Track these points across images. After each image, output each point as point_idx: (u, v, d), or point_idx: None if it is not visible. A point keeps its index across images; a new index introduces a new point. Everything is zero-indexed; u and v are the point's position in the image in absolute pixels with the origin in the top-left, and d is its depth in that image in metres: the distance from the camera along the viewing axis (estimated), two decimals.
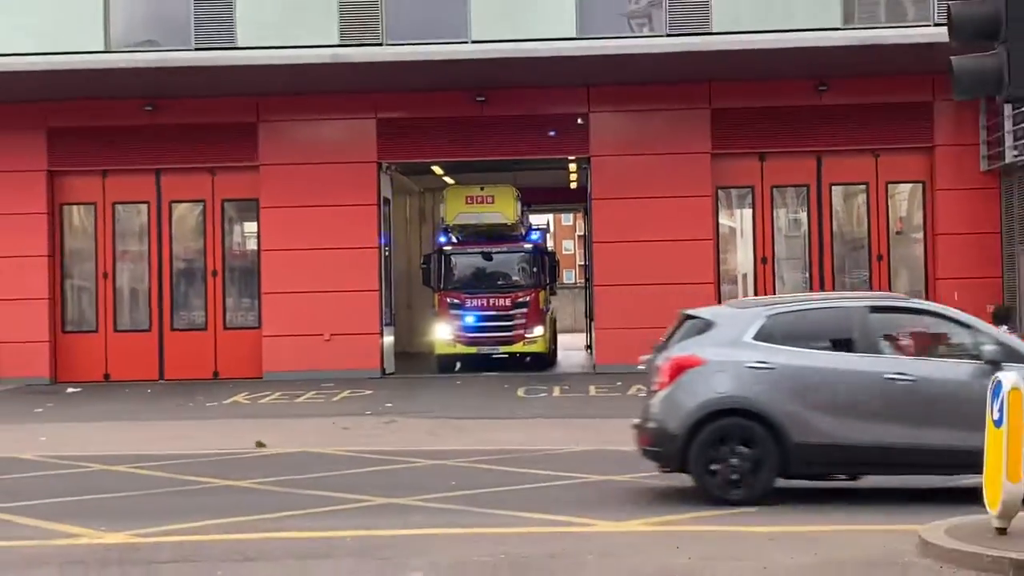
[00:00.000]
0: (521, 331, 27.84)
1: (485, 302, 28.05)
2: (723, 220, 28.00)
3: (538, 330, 28.29)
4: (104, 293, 28.39)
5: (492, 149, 26.11)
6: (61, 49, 24.99)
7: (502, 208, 28.15)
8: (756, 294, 27.67)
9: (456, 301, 28.11)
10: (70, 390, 25.99)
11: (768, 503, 11.70)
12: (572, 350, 35.01)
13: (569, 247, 76.70)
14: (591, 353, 29.58)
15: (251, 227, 28.40)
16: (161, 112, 27.30)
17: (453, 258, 29.02)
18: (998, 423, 9.40)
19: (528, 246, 29.73)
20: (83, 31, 25.19)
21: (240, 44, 25.01)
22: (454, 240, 29.29)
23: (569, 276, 69.96)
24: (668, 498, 12.24)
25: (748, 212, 27.99)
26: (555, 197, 36.50)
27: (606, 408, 21.13)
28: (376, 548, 10.11)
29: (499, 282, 28.72)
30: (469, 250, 29.16)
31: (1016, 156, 24.70)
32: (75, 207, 28.56)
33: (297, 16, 24.97)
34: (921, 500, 11.60)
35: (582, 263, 46.57)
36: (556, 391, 23.83)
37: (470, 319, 27.94)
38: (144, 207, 28.47)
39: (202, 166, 27.97)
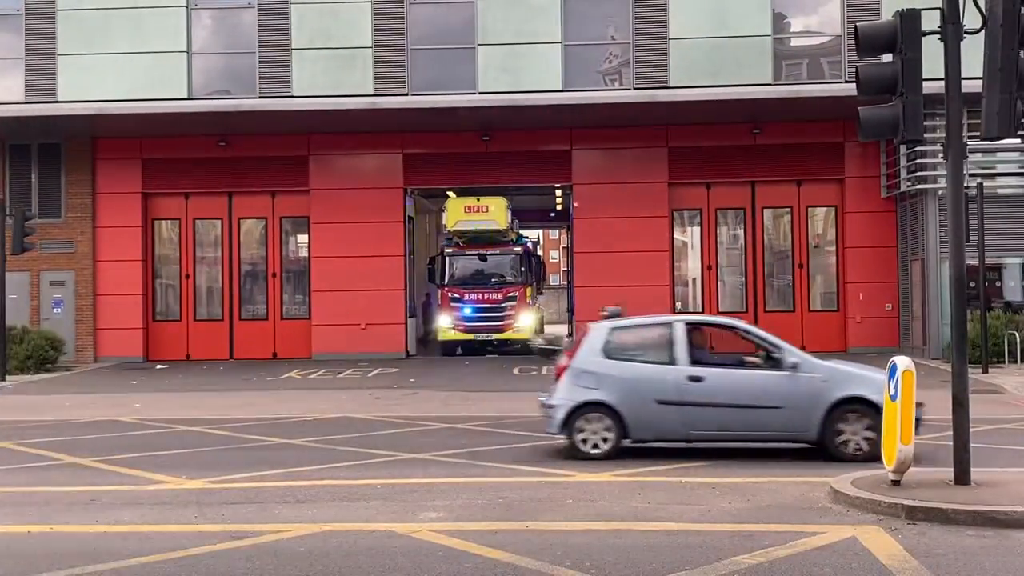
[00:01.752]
0: (510, 321, 26.89)
1: (480, 296, 27.05)
2: (677, 235, 28.01)
3: (525, 320, 27.32)
4: (186, 290, 28.38)
5: (495, 178, 26.14)
6: (154, 97, 25.00)
7: (495, 217, 26.61)
8: (703, 295, 27.78)
9: (456, 296, 27.10)
10: (159, 367, 25.99)
11: (711, 460, 11.73)
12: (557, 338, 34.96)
13: (555, 256, 76.73)
14: (571, 340, 29.59)
15: (303, 239, 28.39)
16: (232, 147, 27.31)
17: (453, 259, 27.82)
18: (894, 398, 9.45)
19: (517, 249, 28.38)
20: (171, 83, 25.17)
21: (295, 93, 24.99)
22: (454, 244, 28.11)
23: (555, 279, 69.93)
24: (631, 456, 12.22)
25: (697, 229, 28.01)
26: (544, 216, 36.49)
27: None
28: (400, 493, 10.15)
29: (492, 280, 27.53)
30: (466, 252, 27.85)
31: (909, 185, 24.74)
32: (164, 222, 28.51)
33: (340, 72, 24.95)
34: (826, 460, 11.61)
35: (565, 269, 46.47)
36: (544, 370, 23.75)
37: (467, 310, 26.93)
38: (218, 222, 28.44)
39: (264, 190, 27.96)
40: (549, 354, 19.38)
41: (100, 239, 27.59)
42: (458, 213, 26.79)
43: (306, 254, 28.17)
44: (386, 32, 24.95)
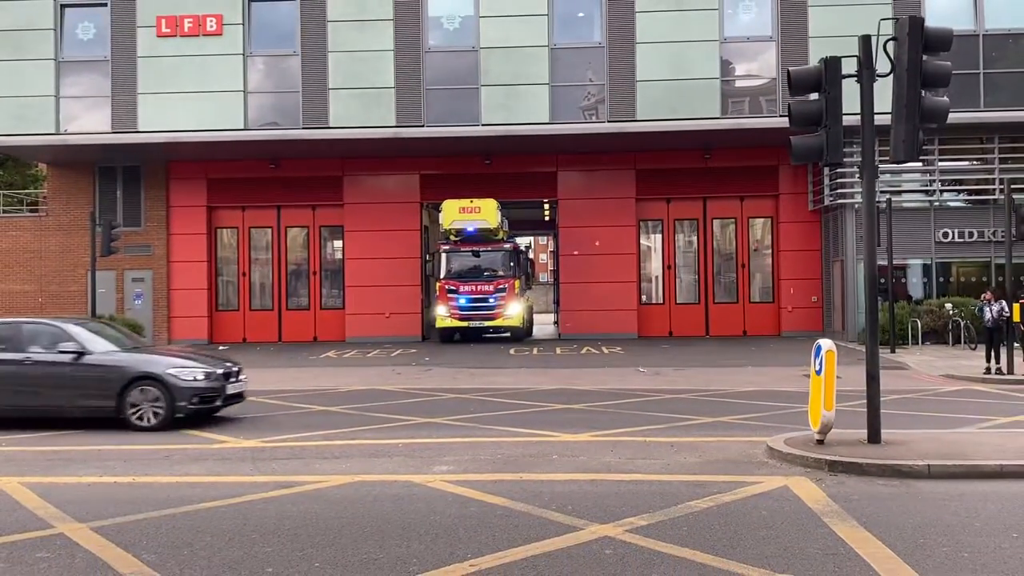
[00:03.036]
0: (500, 310, 25.13)
1: (474, 288, 25.11)
2: (643, 241, 27.99)
3: (513, 309, 25.39)
4: (243, 285, 28.32)
5: (495, 194, 26.02)
6: (217, 127, 24.93)
7: (487, 216, 24.69)
8: (664, 289, 27.79)
9: (452, 288, 25.17)
10: (221, 348, 25.93)
11: (669, 425, 11.70)
12: (545, 325, 34.98)
13: (544, 258, 76.90)
14: (557, 327, 29.59)
15: (338, 244, 28.32)
16: (280, 169, 27.26)
17: (449, 255, 25.73)
18: (819, 372, 9.45)
19: (507, 246, 26.39)
20: (231, 117, 25.08)
21: (332, 125, 24.91)
22: (450, 241, 25.96)
23: (544, 278, 69.89)
24: (603, 420, 12.23)
25: (659, 236, 27.99)
26: (535, 226, 36.44)
27: (566, 362, 21.15)
28: (417, 450, 10.12)
29: (484, 273, 25.48)
30: (461, 249, 25.70)
31: (831, 201, 24.76)
32: (224, 230, 28.43)
33: (368, 108, 24.88)
34: (755, 427, 11.60)
35: (552, 269, 46.45)
36: (535, 351, 23.83)
37: (462, 301, 25.09)
38: (269, 230, 28.37)
39: (307, 204, 27.91)
40: None
41: (173, 244, 27.54)
42: (453, 213, 24.86)
43: (341, 256, 28.09)
44: (406, 75, 24.88)
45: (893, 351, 20.87)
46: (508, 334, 26.18)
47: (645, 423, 11.85)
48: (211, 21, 25.05)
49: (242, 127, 25.11)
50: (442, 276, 25.55)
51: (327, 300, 28.29)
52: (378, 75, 24.88)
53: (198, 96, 24.98)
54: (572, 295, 26.99)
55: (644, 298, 27.59)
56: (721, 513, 7.17)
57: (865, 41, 9.63)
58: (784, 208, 26.73)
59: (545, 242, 66.06)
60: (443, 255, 25.78)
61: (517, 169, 26.93)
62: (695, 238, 27.79)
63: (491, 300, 25.09)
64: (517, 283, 25.66)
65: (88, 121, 25.54)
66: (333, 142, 25.25)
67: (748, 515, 7.11)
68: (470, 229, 25.08)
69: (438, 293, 25.63)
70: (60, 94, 25.49)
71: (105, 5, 25.49)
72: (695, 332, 27.03)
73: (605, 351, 22.94)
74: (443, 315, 25.39)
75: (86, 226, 24.25)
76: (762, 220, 27.64)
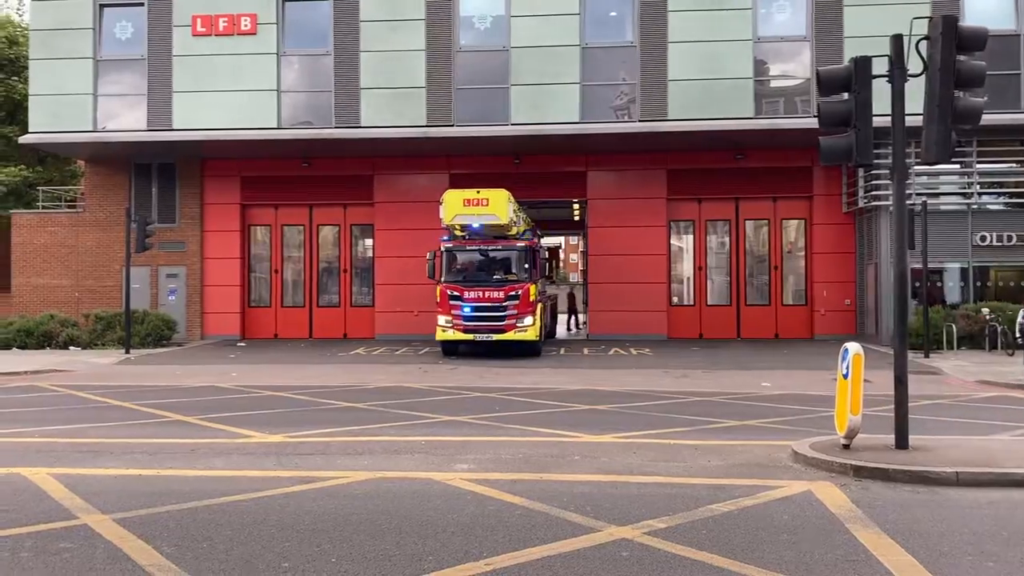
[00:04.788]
0: (512, 321, 21.13)
1: (480, 294, 21.28)
2: (674, 242, 27.77)
3: (528, 320, 21.30)
4: (275, 282, 28.59)
5: (524, 194, 25.93)
6: (251, 126, 25.19)
7: (496, 210, 20.72)
8: (695, 291, 27.56)
9: (455, 293, 21.37)
10: (239, 344, 26.21)
11: (694, 427, 11.61)
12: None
13: (574, 258, 76.86)
14: (585, 326, 29.47)
15: (369, 242, 28.46)
16: (313, 167, 27.48)
17: (451, 254, 21.91)
18: (846, 376, 9.32)
19: (521, 244, 22.01)
20: (264, 115, 25.33)
21: (363, 124, 25.06)
22: (453, 238, 22.13)
23: (573, 277, 69.80)
24: (628, 422, 12.16)
25: (690, 237, 27.75)
26: (565, 226, 36.27)
27: (593, 362, 21.06)
28: (439, 448, 10.13)
29: (494, 276, 21.70)
30: (466, 247, 21.92)
31: (865, 203, 24.41)
32: (257, 227, 28.71)
33: (399, 107, 24.98)
34: (781, 431, 11.47)
35: (582, 269, 46.31)
36: (562, 351, 23.77)
37: (466, 309, 21.25)
38: (301, 228, 28.61)
39: (338, 202, 28.09)
40: None
41: (207, 241, 27.87)
42: (456, 206, 20.96)
43: (371, 254, 28.24)
44: (436, 75, 24.95)
45: (927, 356, 20.51)
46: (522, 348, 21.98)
47: (670, 425, 11.76)
48: (246, 20, 25.33)
49: (275, 126, 25.33)
50: (443, 279, 21.82)
51: (357, 298, 28.45)
52: (409, 75, 24.97)
53: (232, 95, 25.25)
54: (601, 296, 26.88)
55: (674, 299, 27.40)
56: (742, 517, 7.08)
57: (896, 40, 9.47)
58: (818, 210, 26.40)
59: (575, 242, 66.03)
60: (444, 254, 22.03)
61: (546, 169, 26.88)
62: (727, 239, 27.53)
63: (501, 309, 21.17)
64: (533, 288, 21.71)
65: (124, 119, 25.94)
66: (364, 141, 25.37)
67: (769, 519, 7.02)
68: (476, 225, 21.16)
69: (439, 299, 21.83)
70: (98, 92, 25.92)
71: (142, 4, 25.88)
72: (726, 334, 26.79)
73: (633, 352, 22.82)
74: (444, 326, 21.54)
75: (122, 222, 24.64)
76: (795, 222, 27.31)
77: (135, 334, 24.34)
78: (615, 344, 24.74)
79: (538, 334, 21.81)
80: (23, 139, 26.41)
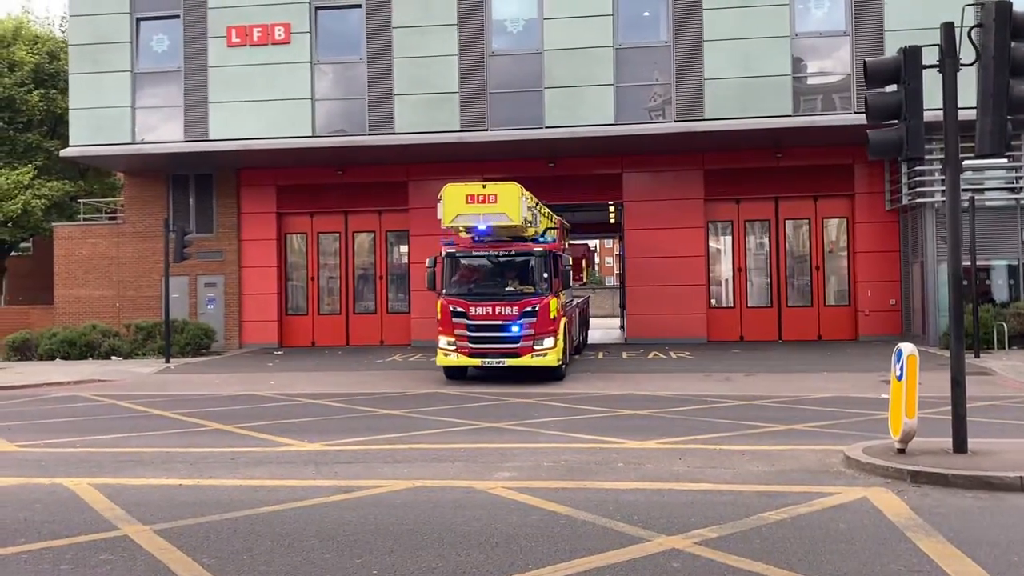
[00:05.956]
0: (529, 343, 17.36)
1: (490, 310, 17.50)
2: (712, 243, 27.37)
3: (548, 342, 17.44)
4: (312, 290, 28.68)
5: (559, 197, 25.80)
6: (286, 135, 25.31)
7: (506, 208, 17.07)
8: (735, 293, 27.14)
9: (458, 309, 17.65)
10: (285, 352, 26.30)
11: (740, 432, 11.32)
12: (611, 329, 34.63)
13: (609, 261, 76.53)
14: (623, 330, 29.16)
15: (404, 248, 28.41)
16: (347, 175, 27.54)
17: (453, 261, 18.18)
18: (900, 378, 9.01)
19: (538, 249, 18.10)
20: (299, 124, 25.42)
21: (397, 131, 25.04)
22: (457, 243, 18.60)
23: (609, 281, 69.60)
24: (671, 427, 11.91)
25: (728, 238, 27.34)
26: (601, 228, 36.07)
27: (632, 366, 20.77)
28: (480, 455, 9.98)
29: (506, 288, 17.92)
30: (472, 254, 18.30)
31: (910, 200, 23.85)
32: (294, 235, 28.84)
33: (433, 113, 24.93)
34: (831, 435, 11.15)
35: (618, 272, 46.00)
36: (600, 355, 23.51)
37: (473, 329, 17.52)
38: (337, 235, 28.67)
39: (373, 209, 28.10)
40: None
41: (244, 250, 28.05)
42: (458, 204, 17.30)
43: (406, 261, 28.17)
44: (470, 80, 24.87)
45: (977, 356, 19.94)
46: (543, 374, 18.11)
47: (715, 430, 11.49)
48: (279, 30, 25.47)
49: (310, 134, 25.41)
50: (444, 292, 18.13)
51: (393, 304, 28.43)
52: (442, 80, 24.92)
53: (267, 104, 25.38)
54: (639, 299, 26.57)
55: (713, 302, 26.99)
56: (796, 526, 6.82)
57: (948, 28, 9.14)
58: (860, 208, 25.86)
59: (611, 245, 65.65)
60: (445, 261, 18.24)
61: (581, 171, 26.64)
62: (767, 239, 27.08)
63: (514, 329, 17.44)
64: (554, 303, 17.91)
65: (162, 131, 26.19)
66: (398, 148, 25.35)
67: (825, 528, 6.74)
68: (482, 227, 17.59)
69: (440, 316, 18.07)
70: (136, 105, 26.21)
71: (178, 17, 26.15)
72: (767, 337, 26.33)
73: (673, 356, 22.49)
74: (446, 349, 17.86)
75: (160, 233, 24.86)
76: (837, 220, 26.77)
77: (175, 343, 24.53)
78: (654, 348, 24.42)
79: (560, 357, 17.88)
80: (64, 153, 26.81)
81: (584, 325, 24.83)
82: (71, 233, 28.66)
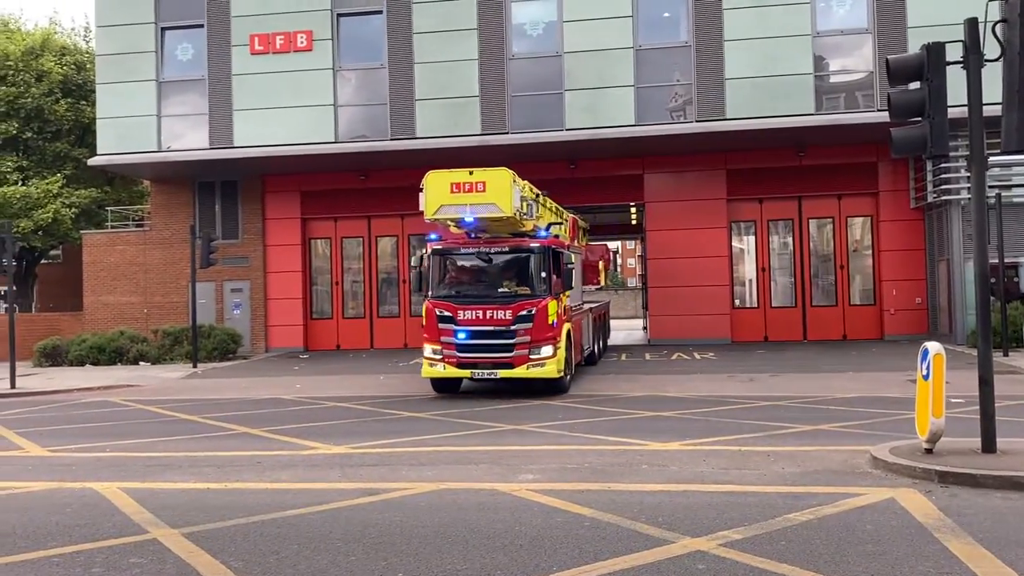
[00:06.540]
0: (524, 351, 15.38)
1: (480, 314, 15.58)
2: (735, 243, 27.21)
3: (547, 350, 15.43)
4: (336, 294, 28.84)
5: (580, 199, 25.76)
6: (309, 141, 25.49)
7: (495, 197, 14.95)
8: (759, 294, 26.95)
9: (445, 313, 15.79)
10: (302, 356, 26.44)
11: (765, 433, 11.24)
12: (634, 330, 34.51)
13: (632, 263, 76.30)
14: (646, 332, 29.05)
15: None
16: (370, 180, 27.66)
17: (440, 259, 16.33)
18: (926, 377, 8.91)
19: (535, 245, 16.02)
20: (322, 130, 25.60)
21: (418, 135, 25.14)
22: (442, 238, 16.69)
23: (631, 282, 69.43)
24: (695, 428, 11.84)
25: (752, 238, 27.16)
26: (622, 230, 35.96)
27: (656, 368, 20.68)
28: (503, 458, 9.98)
29: (498, 290, 15.95)
30: (460, 251, 16.33)
31: (935, 197, 23.57)
32: (318, 240, 29.03)
33: (454, 117, 25.01)
34: (857, 435, 11.03)
35: (640, 273, 45.83)
36: (623, 357, 23.43)
37: (461, 335, 15.62)
38: (360, 240, 28.82)
39: (395, 213, 28.15)
40: None
41: (269, 255, 28.28)
42: (441, 193, 15.32)
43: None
44: (490, 84, 24.91)
45: (1006, 354, 19.66)
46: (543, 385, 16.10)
47: (739, 431, 11.41)
48: (301, 37, 25.66)
49: (332, 140, 25.57)
50: (431, 294, 16.29)
51: (416, 307, 28.38)
52: (463, 84, 24.99)
53: (290, 111, 25.59)
54: (661, 299, 26.46)
55: (737, 302, 26.83)
56: (822, 527, 6.76)
57: (972, 24, 9.03)
58: (884, 206, 25.61)
59: (633, 246, 65.42)
60: (431, 259, 16.44)
61: (602, 173, 26.58)
62: (790, 239, 26.88)
63: (508, 335, 15.50)
64: (553, 305, 15.80)
65: (188, 139, 26.48)
66: (420, 152, 25.39)
67: (852, 529, 6.68)
68: (469, 219, 15.38)
69: (425, 321, 16.25)
70: (161, 113, 26.52)
71: (202, 26, 26.43)
72: (792, 337, 26.13)
73: (697, 357, 22.38)
74: (431, 358, 15.98)
75: (187, 239, 25.11)
76: (861, 219, 26.52)
77: (202, 348, 24.76)
78: (677, 349, 24.31)
79: (561, 368, 15.79)
80: (92, 161, 27.17)
81: (601, 333, 22.85)
82: (99, 240, 29.03)
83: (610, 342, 26.13)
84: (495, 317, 15.55)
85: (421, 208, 15.59)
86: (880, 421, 11.98)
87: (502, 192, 15.03)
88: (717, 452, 10.00)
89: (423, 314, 16.37)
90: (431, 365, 15.99)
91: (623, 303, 49.57)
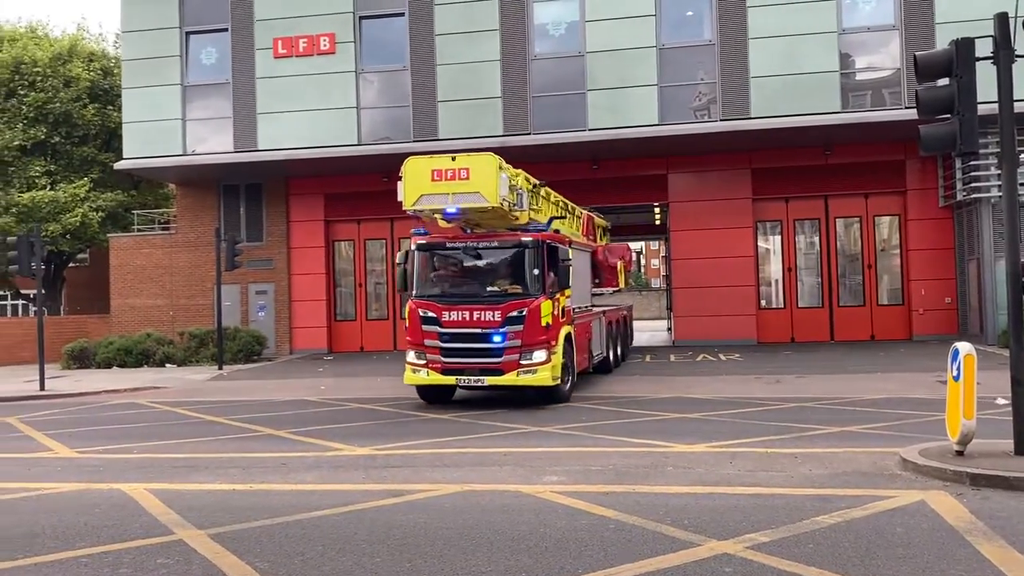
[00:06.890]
0: (514, 356, 14.17)
1: (466, 315, 14.33)
2: (761, 243, 27.02)
3: (539, 355, 14.20)
4: (359, 296, 28.98)
5: (602, 199, 25.72)
6: (332, 144, 25.64)
7: (480, 186, 13.56)
8: (785, 294, 26.74)
9: (429, 314, 14.57)
10: (335, 357, 26.55)
11: (793, 435, 11.14)
12: (658, 331, 34.36)
13: (656, 263, 75.93)
14: (671, 333, 28.91)
15: None
16: (392, 182, 27.39)
17: (424, 255, 15.05)
18: (956, 378, 8.79)
19: (526, 239, 14.53)
20: (345, 133, 25.76)
21: (441, 137, 25.19)
22: (426, 233, 15.25)
23: (655, 283, 69.13)
24: (721, 430, 11.76)
25: (778, 237, 26.97)
26: (646, 230, 35.83)
27: (681, 369, 20.57)
28: (527, 459, 9.97)
29: (488, 289, 14.65)
30: (446, 246, 14.97)
31: (965, 196, 23.26)
32: (341, 243, 29.19)
33: (476, 118, 25.05)
34: (885, 437, 10.89)
35: (665, 274, 45.63)
36: (647, 358, 23.33)
37: (445, 338, 14.45)
38: (383, 242, 28.90)
39: None
40: None
41: (293, 257, 28.47)
42: (421, 182, 13.97)
43: None
44: (512, 84, 24.93)
45: None
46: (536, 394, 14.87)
47: (766, 433, 11.32)
48: (324, 40, 25.83)
49: (356, 142, 25.71)
50: (414, 293, 15.04)
51: None
52: (485, 85, 25.03)
53: (314, 114, 25.77)
54: (686, 300, 26.34)
55: (763, 303, 26.64)
56: (851, 530, 6.68)
57: (1002, 19, 8.91)
58: (912, 205, 25.32)
59: (657, 247, 65.17)
60: (415, 255, 15.17)
61: (626, 173, 26.51)
62: (817, 238, 26.65)
63: (496, 339, 14.27)
64: (547, 306, 14.46)
65: (212, 142, 26.74)
66: (442, 154, 25.43)
67: (881, 532, 6.60)
68: (451, 209, 13.94)
69: (408, 323, 14.99)
70: (186, 117, 26.80)
71: (226, 30, 26.68)
72: (818, 337, 25.90)
73: (722, 358, 22.24)
74: (415, 364, 14.80)
75: (212, 242, 25.34)
76: (889, 218, 26.25)
77: (227, 350, 24.96)
78: (702, 350, 24.17)
79: (558, 375, 14.56)
80: (118, 165, 27.51)
81: (620, 338, 21.48)
82: (126, 243, 29.37)
83: (634, 343, 25.74)
84: (482, 319, 14.27)
85: (399, 199, 14.20)
86: (909, 423, 11.84)
87: (487, 180, 13.59)
88: (743, 454, 9.92)
89: (406, 315, 15.03)
90: (414, 371, 14.81)
91: (647, 304, 49.43)
